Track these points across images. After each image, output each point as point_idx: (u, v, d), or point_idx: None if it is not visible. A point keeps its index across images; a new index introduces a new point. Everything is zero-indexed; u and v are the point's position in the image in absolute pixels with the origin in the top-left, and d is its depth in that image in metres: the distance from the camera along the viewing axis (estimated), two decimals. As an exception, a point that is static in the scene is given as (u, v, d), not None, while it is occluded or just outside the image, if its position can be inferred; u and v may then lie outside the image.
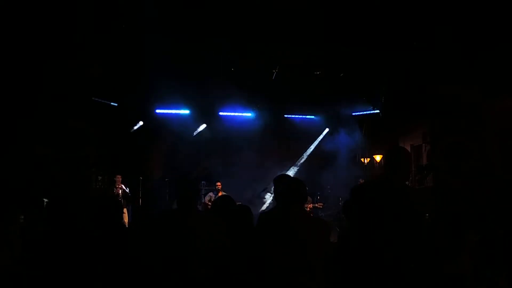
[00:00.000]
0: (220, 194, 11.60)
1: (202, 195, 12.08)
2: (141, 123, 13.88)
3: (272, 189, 12.13)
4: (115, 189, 11.28)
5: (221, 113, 14.11)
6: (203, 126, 14.05)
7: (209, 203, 11.45)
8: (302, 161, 13.69)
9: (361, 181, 12.50)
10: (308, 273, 3.21)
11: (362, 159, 15.32)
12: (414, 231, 3.20)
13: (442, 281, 4.71)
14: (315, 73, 12.27)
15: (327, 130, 14.34)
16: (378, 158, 15.54)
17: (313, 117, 14.91)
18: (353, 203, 3.52)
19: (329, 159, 13.38)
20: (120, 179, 11.43)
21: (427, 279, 3.22)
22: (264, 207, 12.20)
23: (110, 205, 4.35)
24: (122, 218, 4.61)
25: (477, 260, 5.20)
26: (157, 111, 13.72)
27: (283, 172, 8.77)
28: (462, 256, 4.83)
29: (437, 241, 3.37)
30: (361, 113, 14.41)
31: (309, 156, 14.53)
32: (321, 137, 14.29)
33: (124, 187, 11.36)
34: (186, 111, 13.85)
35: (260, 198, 11.98)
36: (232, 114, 14.14)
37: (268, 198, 11.80)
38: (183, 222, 3.28)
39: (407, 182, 3.43)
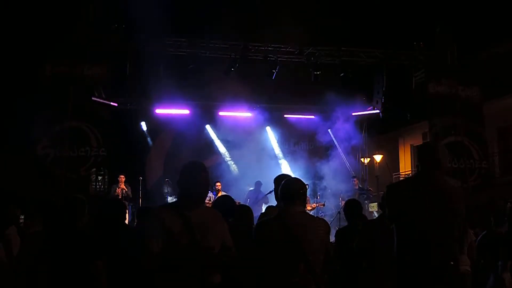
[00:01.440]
0: (219, 194, 11.58)
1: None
2: (143, 123, 13.88)
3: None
4: (117, 189, 11.20)
5: (221, 113, 14.08)
6: None
7: (209, 203, 11.42)
8: (302, 160, 13.67)
9: (355, 180, 12.47)
10: (308, 273, 3.21)
11: (362, 159, 15.32)
12: (456, 227, 3.26)
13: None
14: (315, 73, 12.27)
15: (326, 130, 14.32)
16: (378, 158, 15.55)
17: (312, 117, 14.89)
18: (390, 200, 3.46)
19: (329, 158, 13.38)
20: (124, 179, 11.34)
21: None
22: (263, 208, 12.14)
23: (113, 206, 4.36)
24: (125, 218, 4.60)
25: (477, 259, 5.21)
26: (157, 111, 13.70)
27: (283, 172, 8.75)
28: (462, 255, 4.84)
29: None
30: (361, 113, 14.40)
31: (309, 155, 14.53)
32: (320, 137, 14.26)
33: (125, 188, 11.25)
34: (186, 111, 13.83)
35: (264, 199, 11.91)
36: (232, 114, 14.11)
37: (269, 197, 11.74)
38: (188, 216, 3.04)
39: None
